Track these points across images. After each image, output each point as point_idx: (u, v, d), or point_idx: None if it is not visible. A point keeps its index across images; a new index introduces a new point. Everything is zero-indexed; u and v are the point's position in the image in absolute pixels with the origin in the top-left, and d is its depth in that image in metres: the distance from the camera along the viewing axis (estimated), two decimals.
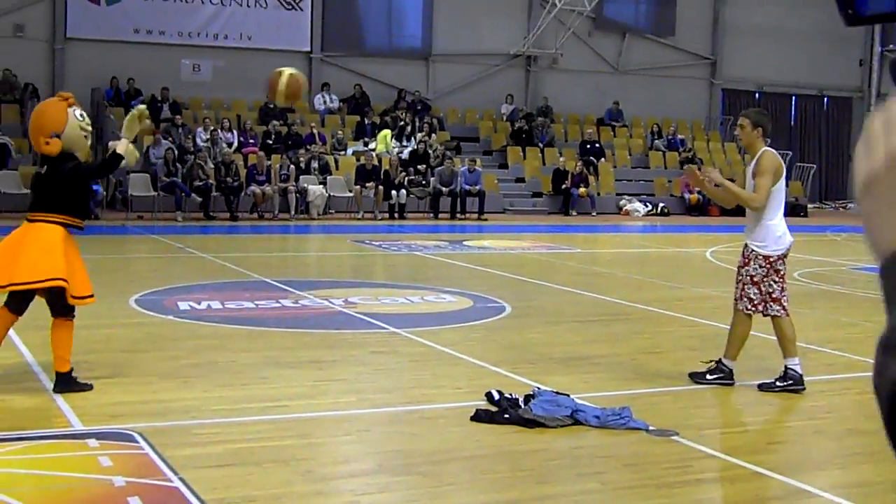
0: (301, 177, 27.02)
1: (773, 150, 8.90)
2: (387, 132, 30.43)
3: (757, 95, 39.40)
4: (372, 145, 29.86)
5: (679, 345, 10.86)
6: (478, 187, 27.99)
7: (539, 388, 8.13)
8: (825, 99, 41.35)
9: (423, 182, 28.26)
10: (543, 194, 31.12)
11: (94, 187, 24.66)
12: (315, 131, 29.59)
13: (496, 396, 7.95)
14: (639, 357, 10.08)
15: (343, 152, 29.69)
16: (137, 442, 6.74)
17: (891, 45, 40.65)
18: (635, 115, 36.51)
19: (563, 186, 30.44)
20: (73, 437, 6.89)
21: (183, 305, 12.08)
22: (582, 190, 30.43)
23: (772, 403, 8.46)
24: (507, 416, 7.55)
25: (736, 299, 8.83)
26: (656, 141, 35.43)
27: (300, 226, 25.15)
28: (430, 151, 29.65)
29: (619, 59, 36.75)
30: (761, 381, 8.88)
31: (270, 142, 28.63)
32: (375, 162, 27.68)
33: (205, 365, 9.01)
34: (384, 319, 11.61)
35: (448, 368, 9.31)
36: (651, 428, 7.39)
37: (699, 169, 9.13)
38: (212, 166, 25.83)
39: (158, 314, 11.56)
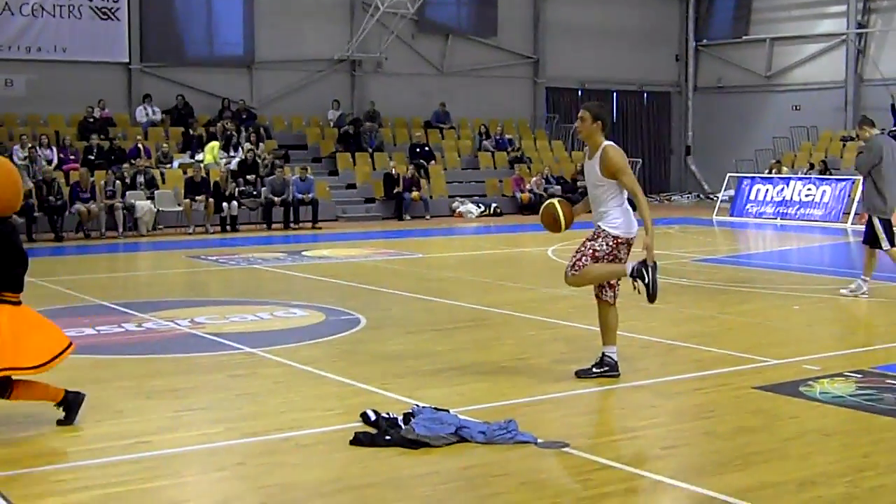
0: (127, 192, 26.07)
1: (614, 144, 8.95)
2: (214, 143, 29.66)
3: (580, 93, 39.79)
4: (199, 157, 29.05)
5: (546, 349, 10.61)
6: (310, 195, 27.46)
7: (418, 406, 7.75)
8: (645, 94, 42.06)
9: (255, 192, 27.61)
10: (376, 200, 30.78)
11: None
12: (139, 145, 28.63)
13: (373, 417, 7.55)
14: (509, 364, 9.79)
15: (169, 165, 28.80)
16: None
17: (704, 41, 41.62)
18: (462, 117, 36.49)
19: (395, 191, 30.15)
20: None
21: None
22: (415, 194, 30.19)
23: (654, 405, 8.25)
24: (388, 437, 7.15)
25: (569, 266, 8.92)
26: (484, 142, 35.45)
27: (130, 243, 24.21)
28: (259, 161, 29.00)
29: (443, 60, 36.65)
30: (578, 368, 9.16)
31: (92, 157, 27.58)
32: (204, 174, 26.91)
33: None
34: (237, 339, 11.06)
35: (315, 389, 8.85)
36: (539, 440, 7.09)
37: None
38: (31, 185, 24.66)
39: None
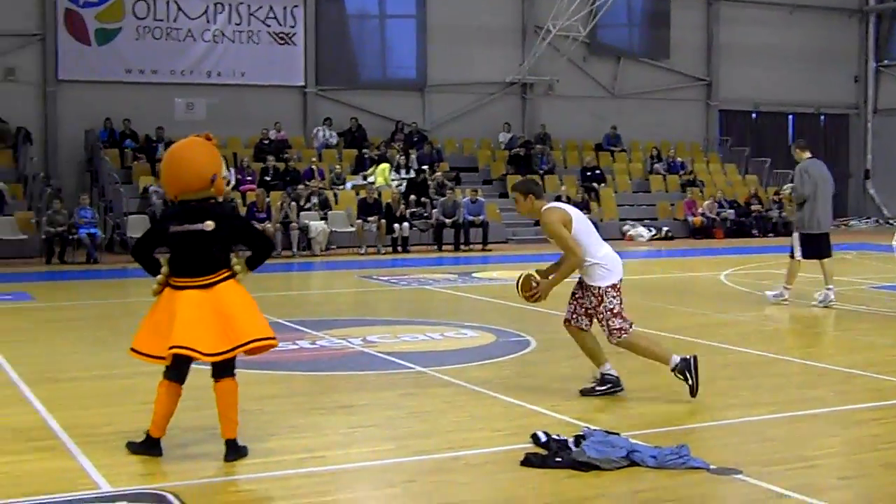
0: (302, 213, 26.65)
1: (553, 205, 9.17)
2: (385, 165, 30.08)
3: (754, 115, 39.17)
4: (371, 179, 29.50)
5: (718, 374, 10.43)
6: (481, 217, 27.62)
7: (589, 428, 7.70)
8: (822, 116, 41.10)
9: (426, 214, 27.89)
10: None
11: (93, 231, 24.32)
12: (314, 167, 29.23)
13: (543, 438, 7.53)
14: (680, 389, 9.63)
15: (342, 187, 29.31)
16: (172, 503, 6.30)
17: (885, 61, 40.50)
18: (633, 139, 36.24)
19: None
20: (103, 501, 6.43)
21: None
22: None
23: (830, 434, 8.05)
24: (558, 459, 7.13)
25: (607, 334, 9.10)
26: (656, 164, 35.14)
27: (304, 263, 24.75)
28: (430, 182, 29.31)
29: (614, 83, 36.49)
30: (583, 387, 9.34)
31: (268, 178, 28.27)
32: (376, 195, 27.33)
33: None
34: (408, 358, 11.18)
35: (484, 409, 8.88)
36: (712, 467, 6.97)
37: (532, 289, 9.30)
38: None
39: None
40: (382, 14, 33.91)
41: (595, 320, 9.17)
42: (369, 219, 26.60)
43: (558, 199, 29.93)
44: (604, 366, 9.27)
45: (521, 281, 9.42)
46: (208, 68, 31.00)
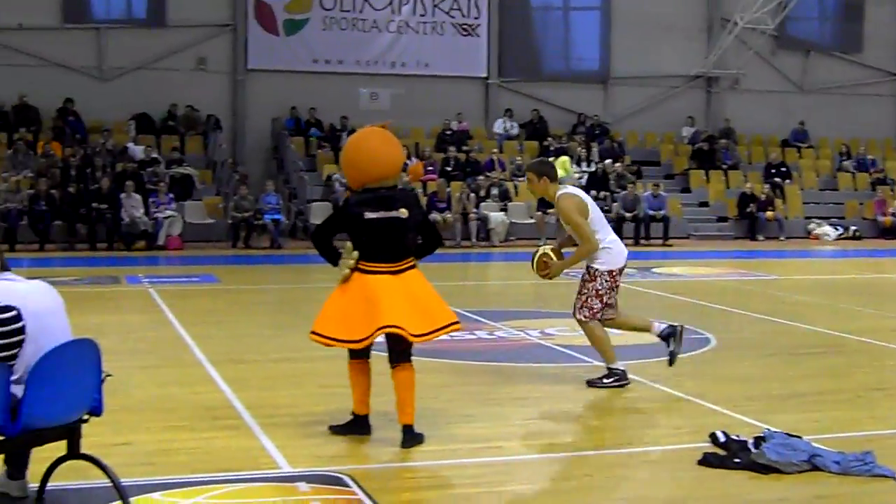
0: (481, 204, 26.76)
1: (568, 190, 9.24)
2: (565, 158, 29.93)
3: None
4: None
5: None
6: (662, 212, 27.30)
7: (770, 430, 7.52)
8: None
9: (606, 208, 27.68)
10: (728, 218, 30.19)
11: (277, 216, 24.89)
12: (494, 158, 29.31)
13: (722, 438, 7.38)
14: (865, 394, 9.36)
15: (522, 178, 29.29)
16: (349, 486, 6.40)
17: None
18: (822, 136, 35.21)
19: (749, 210, 29.47)
20: (283, 480, 6.55)
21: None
22: (769, 213, 29.42)
23: None
24: (737, 460, 6.98)
25: (578, 307, 9.33)
26: (845, 162, 34.10)
27: (482, 253, 24.86)
28: (610, 176, 29.09)
29: (803, 77, 35.53)
30: (589, 378, 9.48)
31: (449, 168, 28.47)
32: None
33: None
34: (586, 352, 11.05)
35: (663, 406, 8.78)
36: None
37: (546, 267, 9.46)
38: None
39: None
40: (567, 6, 33.73)
41: (581, 295, 9.35)
42: (549, 211, 26.52)
43: (743, 194, 29.40)
44: (610, 363, 9.39)
45: (536, 258, 9.55)
46: (393, 59, 31.36)
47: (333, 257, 7.50)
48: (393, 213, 7.38)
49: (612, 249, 9.25)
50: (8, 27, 28.09)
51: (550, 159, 29.55)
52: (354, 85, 30.95)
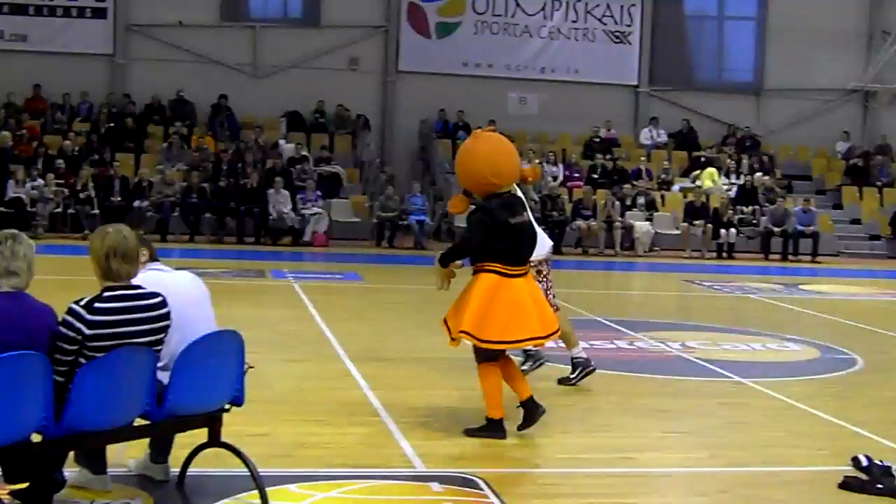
0: (627, 212, 26.55)
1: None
2: (713, 169, 29.50)
3: None
4: (699, 182, 29.02)
5: None
6: (812, 228, 26.69)
7: None
8: None
9: (754, 221, 27.22)
10: (881, 237, 29.38)
11: (422, 218, 25.06)
12: (642, 167, 29.04)
13: (865, 462, 7.17)
14: None
15: (669, 188, 28.99)
16: (482, 489, 6.40)
17: None
18: None
19: None
20: (416, 480, 6.60)
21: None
22: None
23: None
24: (880, 486, 6.79)
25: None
26: None
27: (625, 262, 24.66)
28: (759, 190, 28.57)
29: None
30: (560, 377, 9.60)
31: (595, 176, 28.30)
32: (704, 199, 26.90)
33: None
34: (727, 367, 10.92)
35: (804, 426, 8.57)
36: None
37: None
38: (536, 199, 25.68)
39: None
40: (721, 15, 33.25)
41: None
42: (695, 222, 26.21)
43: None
44: (573, 349, 9.66)
45: None
46: (543, 64, 31.31)
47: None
48: (526, 217, 7.63)
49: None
50: (168, 24, 28.88)
51: (697, 172, 29.33)
52: (503, 89, 30.99)
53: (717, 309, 16.97)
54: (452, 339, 7.61)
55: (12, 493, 5.31)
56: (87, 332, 5.19)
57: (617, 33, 31.75)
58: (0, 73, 27.76)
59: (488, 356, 7.58)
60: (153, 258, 6.12)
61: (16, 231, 5.37)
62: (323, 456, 6.98)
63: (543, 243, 9.02)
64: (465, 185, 7.76)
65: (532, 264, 8.55)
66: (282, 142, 27.76)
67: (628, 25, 31.77)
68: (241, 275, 17.84)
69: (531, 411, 7.61)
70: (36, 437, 5.08)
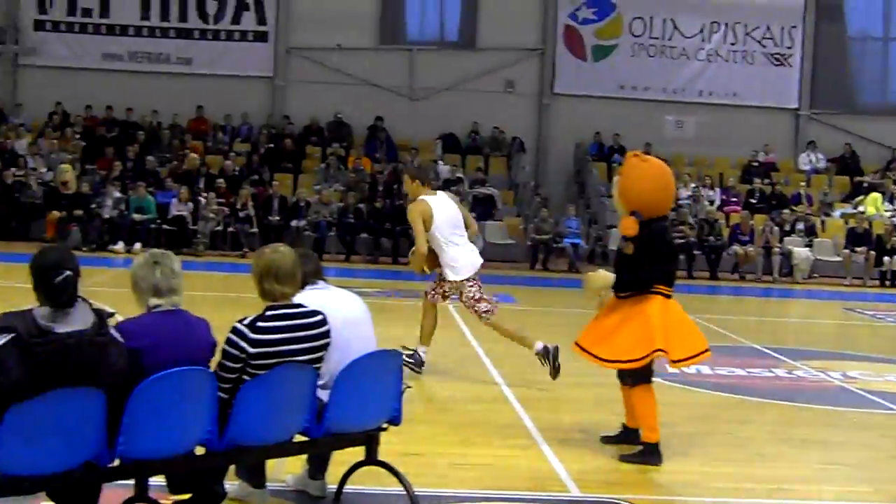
0: (785, 238, 26.02)
1: (425, 197, 10.15)
2: (877, 195, 28.73)
3: None
4: (861, 208, 28.29)
5: None
6: None
7: None
8: None
9: None
10: None
11: (577, 241, 24.97)
12: (801, 192, 28.45)
13: None
14: None
15: (830, 214, 28.32)
16: None
17: None
18: None
19: None
20: None
21: (670, 368, 11.61)
22: None
23: None
24: None
25: (477, 318, 10.52)
26: None
27: (783, 289, 24.14)
28: None
29: None
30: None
31: (753, 201, 27.82)
32: (866, 225, 26.21)
33: (700, 435, 8.50)
34: (890, 399, 10.61)
35: None
36: None
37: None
38: (693, 224, 25.37)
39: None
40: (887, 36, 32.40)
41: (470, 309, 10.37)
42: (857, 249, 25.54)
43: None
44: (423, 346, 10.44)
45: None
46: (700, 87, 30.93)
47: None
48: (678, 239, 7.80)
49: (453, 264, 10.21)
50: (327, 47, 29.40)
51: (860, 198, 28.63)
52: (660, 112, 30.71)
53: (880, 338, 16.52)
54: (606, 361, 7.63)
55: None
56: (251, 350, 5.31)
57: (777, 55, 31.21)
58: (166, 95, 28.68)
59: (643, 378, 7.53)
60: (318, 276, 6.22)
61: (164, 250, 5.53)
62: (478, 478, 6.99)
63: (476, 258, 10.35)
64: (636, 207, 7.68)
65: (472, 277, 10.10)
66: (439, 163, 27.99)
67: (789, 47, 31.20)
68: (398, 295, 18.01)
69: (629, 436, 7.80)
70: (199, 450, 5.21)
